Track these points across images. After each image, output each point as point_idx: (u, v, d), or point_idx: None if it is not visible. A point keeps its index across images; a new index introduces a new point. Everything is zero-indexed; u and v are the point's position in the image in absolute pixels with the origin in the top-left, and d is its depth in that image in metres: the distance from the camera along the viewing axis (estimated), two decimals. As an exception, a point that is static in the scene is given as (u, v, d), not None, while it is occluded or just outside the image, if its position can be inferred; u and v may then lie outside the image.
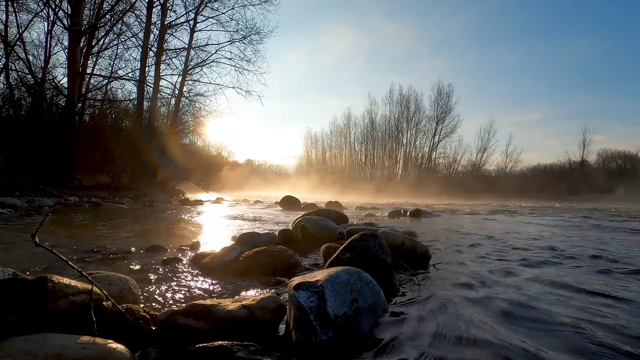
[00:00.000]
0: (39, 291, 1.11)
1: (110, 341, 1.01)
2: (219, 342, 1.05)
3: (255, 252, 2.26)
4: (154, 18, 16.24)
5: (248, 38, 17.87)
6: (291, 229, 3.58)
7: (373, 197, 31.09)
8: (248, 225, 5.21)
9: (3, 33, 13.81)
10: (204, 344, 1.04)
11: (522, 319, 1.40)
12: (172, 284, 1.87)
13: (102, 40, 16.61)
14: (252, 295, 1.59)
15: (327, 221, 3.57)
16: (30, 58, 14.66)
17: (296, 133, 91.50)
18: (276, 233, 3.20)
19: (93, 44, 15.20)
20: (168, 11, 16.55)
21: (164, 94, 18.10)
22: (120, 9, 15.11)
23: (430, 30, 74.51)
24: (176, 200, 14.15)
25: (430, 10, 74.72)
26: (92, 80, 17.12)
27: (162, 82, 17.16)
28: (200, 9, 17.37)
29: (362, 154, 49.29)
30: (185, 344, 1.08)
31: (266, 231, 3.30)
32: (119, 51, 18.03)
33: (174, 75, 19.57)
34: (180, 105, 18.08)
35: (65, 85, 13.90)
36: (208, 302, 1.23)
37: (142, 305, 1.41)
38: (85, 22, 13.90)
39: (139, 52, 16.33)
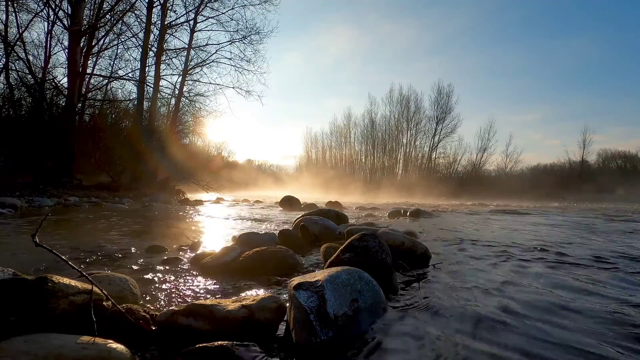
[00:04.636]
0: (39, 291, 1.11)
1: (111, 341, 1.02)
2: (219, 342, 1.05)
3: (255, 252, 2.26)
4: (154, 18, 16.26)
5: (248, 38, 17.93)
6: (291, 229, 3.58)
7: (373, 197, 31.09)
8: (248, 225, 5.21)
9: (3, 33, 13.81)
10: (204, 344, 1.04)
11: (521, 319, 1.40)
12: (172, 284, 1.87)
13: (102, 40, 16.65)
14: (252, 295, 1.58)
15: (327, 221, 3.57)
16: (30, 58, 14.70)
17: (296, 133, 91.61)
18: (276, 233, 3.19)
19: (93, 44, 15.21)
20: (168, 11, 16.56)
21: (164, 94, 18.16)
22: (120, 9, 15.12)
23: (430, 30, 74.62)
24: (176, 200, 14.15)
25: (430, 10, 74.88)
26: (92, 80, 17.15)
27: (162, 82, 17.21)
28: (200, 9, 17.42)
29: (362, 154, 49.31)
30: (186, 344, 1.08)
31: (266, 231, 3.30)
32: (119, 51, 18.07)
33: (174, 75, 19.68)
34: (180, 105, 18.15)
35: (65, 85, 13.92)
36: (208, 302, 1.23)
37: (142, 305, 1.41)
38: (85, 22, 13.90)
39: (139, 52, 16.36)
